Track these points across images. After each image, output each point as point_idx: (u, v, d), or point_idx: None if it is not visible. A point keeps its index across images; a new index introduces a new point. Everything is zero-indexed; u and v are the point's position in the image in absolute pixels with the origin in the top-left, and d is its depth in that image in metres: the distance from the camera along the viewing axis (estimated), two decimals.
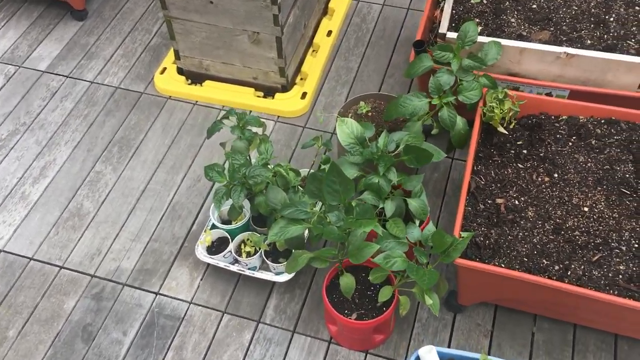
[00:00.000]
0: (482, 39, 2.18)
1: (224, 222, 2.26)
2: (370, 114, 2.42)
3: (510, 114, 2.10)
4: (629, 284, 1.76)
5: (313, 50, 2.96)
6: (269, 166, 2.08)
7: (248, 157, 2.11)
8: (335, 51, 2.98)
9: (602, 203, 1.94)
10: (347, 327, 1.95)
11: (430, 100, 2.11)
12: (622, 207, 1.92)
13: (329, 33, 3.00)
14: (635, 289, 1.75)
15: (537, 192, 1.98)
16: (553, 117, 2.17)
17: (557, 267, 1.81)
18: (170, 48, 2.94)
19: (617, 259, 1.81)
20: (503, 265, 1.82)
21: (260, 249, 2.14)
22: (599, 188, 1.98)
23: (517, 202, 1.96)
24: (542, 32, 2.29)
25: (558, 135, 2.11)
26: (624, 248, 1.83)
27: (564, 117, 2.16)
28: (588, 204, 1.95)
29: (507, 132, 2.14)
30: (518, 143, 2.12)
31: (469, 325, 2.09)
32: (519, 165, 2.06)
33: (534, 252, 1.84)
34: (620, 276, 1.78)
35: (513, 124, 2.13)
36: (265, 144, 2.15)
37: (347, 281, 1.91)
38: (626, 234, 1.86)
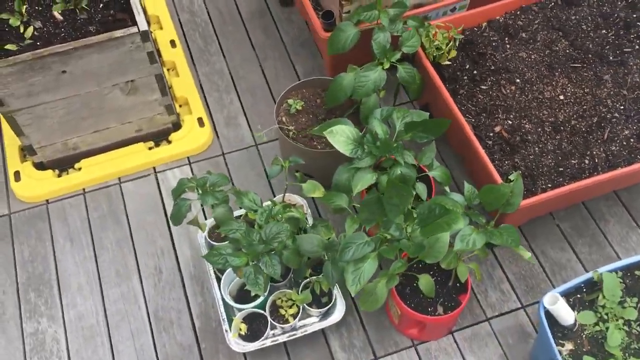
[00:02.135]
0: None
1: (236, 298, 1.92)
2: (303, 107, 2.18)
3: (450, 44, 2.05)
4: None
5: (169, 69, 2.54)
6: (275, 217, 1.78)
7: (243, 220, 1.78)
8: (191, 59, 2.59)
9: (569, 85, 2.03)
10: (439, 323, 1.84)
11: (382, 65, 1.95)
12: (585, 80, 2.03)
13: (173, 43, 2.59)
14: None
15: (516, 104, 2.00)
16: (475, 29, 2.17)
17: (586, 161, 1.87)
18: (6, 150, 2.29)
19: (619, 127, 1.93)
20: (550, 185, 1.83)
21: (301, 304, 1.87)
22: (556, 73, 2.06)
23: (509, 121, 1.96)
24: None
25: (493, 44, 2.12)
26: (616, 114, 1.96)
27: (484, 24, 2.17)
28: (559, 91, 2.02)
29: (451, 63, 2.09)
30: (466, 68, 2.09)
31: (509, 250, 2.11)
32: (482, 87, 2.04)
33: (559, 158, 1.88)
34: (632, 139, 1.91)
35: (454, 53, 2.08)
36: (247, 195, 1.83)
37: (427, 281, 1.77)
38: (608, 102, 1.98)
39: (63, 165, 2.28)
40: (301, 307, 1.87)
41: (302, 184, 1.88)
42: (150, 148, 2.33)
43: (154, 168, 2.31)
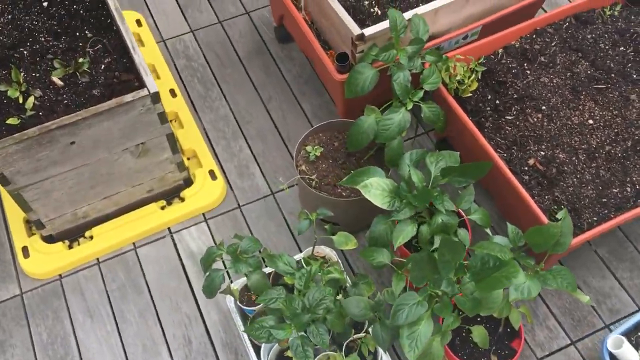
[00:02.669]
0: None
1: (282, 358, 1.81)
2: (322, 153, 2.08)
3: (472, 77, 1.98)
4: None
5: (172, 120, 2.43)
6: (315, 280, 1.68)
7: (282, 286, 1.68)
8: (193, 107, 2.48)
9: (596, 109, 1.97)
10: None
11: (405, 106, 1.86)
12: (612, 102, 1.97)
13: (173, 93, 2.48)
14: None
15: (545, 133, 1.93)
16: (492, 56, 2.10)
17: (628, 189, 1.81)
18: (10, 225, 2.16)
19: None
20: (596, 219, 1.76)
21: None
22: (581, 97, 1.99)
23: (542, 152, 1.89)
24: None
25: (513, 71, 2.05)
26: None
27: (499, 51, 2.11)
28: (587, 115, 1.96)
29: (472, 95, 2.02)
30: (488, 98, 2.02)
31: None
32: (507, 117, 1.97)
33: (600, 188, 1.81)
34: None
35: (475, 84, 2.00)
36: (281, 258, 1.73)
37: (481, 332, 1.69)
38: (638, 122, 1.92)
39: (73, 235, 2.16)
40: None
41: (333, 237, 1.79)
42: (162, 207, 2.22)
43: (169, 228, 2.20)
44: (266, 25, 2.71)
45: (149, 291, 2.07)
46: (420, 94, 1.87)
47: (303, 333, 1.59)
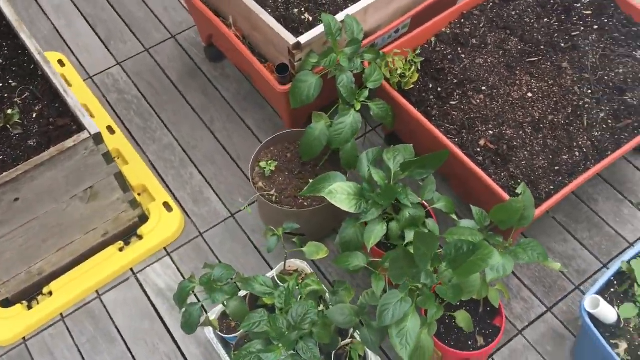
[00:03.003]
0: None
1: None
2: (276, 167, 2.06)
3: (412, 68, 2.00)
4: (623, 120, 1.92)
5: (116, 158, 2.35)
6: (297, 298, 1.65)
7: (262, 308, 1.64)
8: (134, 141, 2.41)
9: (532, 81, 2.03)
10: (485, 353, 1.78)
11: (354, 107, 1.87)
12: (546, 72, 2.04)
13: (111, 130, 2.40)
14: (630, 120, 1.92)
15: (490, 112, 1.97)
16: (426, 46, 2.13)
17: (576, 154, 1.87)
18: None
19: (594, 111, 1.95)
20: (552, 187, 1.81)
21: None
22: (517, 72, 2.05)
23: (490, 132, 1.93)
24: None
25: (448, 57, 2.09)
26: (587, 99, 1.97)
27: (432, 40, 2.14)
28: (525, 90, 2.02)
29: (414, 86, 2.04)
30: (430, 87, 2.05)
31: None
32: (451, 103, 2.01)
33: (550, 157, 1.87)
34: (610, 120, 1.93)
35: (416, 76, 2.03)
36: (256, 280, 1.69)
37: (464, 316, 1.71)
38: (575, 89, 2.00)
39: (31, 294, 2.05)
40: None
41: (304, 249, 1.77)
42: (121, 249, 2.14)
43: (132, 269, 2.12)
44: (195, 47, 2.66)
45: (122, 338, 1.99)
46: (366, 93, 1.88)
47: (292, 352, 1.56)
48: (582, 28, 2.13)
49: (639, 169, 2.26)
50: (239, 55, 2.21)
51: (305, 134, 1.92)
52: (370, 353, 1.80)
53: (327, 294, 1.73)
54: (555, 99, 1.98)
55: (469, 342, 1.76)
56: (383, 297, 1.54)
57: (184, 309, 1.66)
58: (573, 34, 2.11)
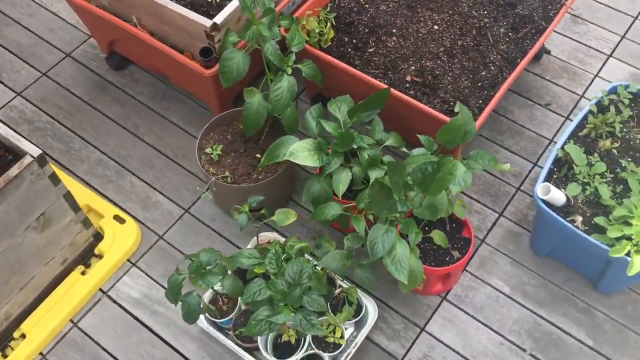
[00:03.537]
0: None
1: (277, 354, 1.81)
2: (222, 150, 2.08)
3: (327, 25, 2.09)
4: (521, 30, 2.13)
5: None
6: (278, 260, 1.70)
7: (262, 276, 1.68)
8: (61, 166, 2.32)
9: (434, 15, 2.19)
10: (462, 265, 1.92)
11: (286, 71, 1.93)
12: (444, 5, 2.21)
13: None
14: (527, 28, 2.13)
15: (407, 50, 2.11)
16: (331, 4, 2.23)
17: (492, 68, 2.05)
18: None
19: (495, 28, 2.14)
20: (481, 101, 1.98)
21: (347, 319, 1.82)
22: (419, 10, 2.21)
23: (412, 67, 2.07)
24: None
25: (355, 9, 2.20)
26: (486, 19, 2.16)
27: None
28: (430, 24, 2.17)
29: (331, 43, 2.13)
30: (346, 41, 2.15)
31: None
32: (370, 51, 2.12)
33: (471, 76, 2.04)
34: (510, 33, 2.13)
35: (332, 33, 2.12)
36: (242, 255, 1.72)
37: (439, 235, 1.84)
38: (473, 12, 2.18)
39: (3, 341, 1.94)
40: (342, 326, 1.84)
41: (274, 217, 1.82)
42: (83, 273, 2.07)
43: (101, 289, 2.06)
44: (95, 60, 2.59)
45: (113, 357, 1.94)
46: (293, 57, 1.95)
47: (301, 306, 1.62)
48: None
49: (538, 75, 2.50)
50: (152, 54, 2.19)
51: (245, 110, 1.96)
52: (363, 299, 1.89)
53: (312, 250, 1.79)
54: (458, 26, 2.15)
55: (447, 259, 1.90)
56: (370, 233, 1.63)
57: (180, 302, 1.67)
58: None
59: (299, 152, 1.73)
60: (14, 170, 1.65)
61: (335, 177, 1.76)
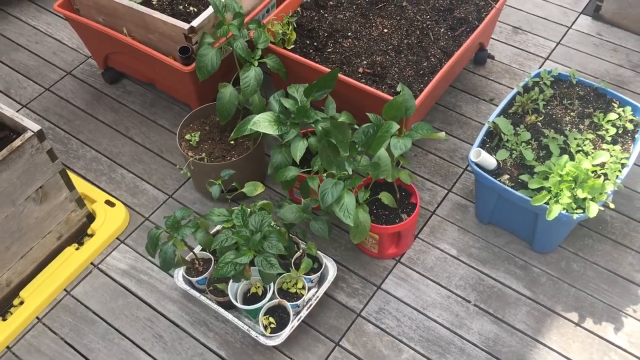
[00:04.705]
0: None
1: (247, 298, 2.04)
2: (200, 137, 2.38)
3: (290, 28, 2.42)
4: (458, 29, 2.46)
5: None
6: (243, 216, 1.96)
7: (226, 229, 1.93)
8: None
9: (384, 21, 2.53)
10: (411, 224, 2.16)
11: (252, 64, 2.24)
12: (392, 13, 2.55)
13: None
14: (463, 27, 2.46)
15: (359, 49, 2.43)
16: (295, 15, 2.57)
17: (432, 60, 2.36)
18: None
19: (436, 29, 2.47)
20: (422, 85, 2.28)
21: (306, 271, 2.06)
22: (371, 17, 2.55)
23: (365, 62, 2.39)
24: None
25: (315, 18, 2.54)
26: (428, 22, 2.49)
27: (298, 9, 2.59)
28: (381, 28, 2.51)
29: (295, 45, 2.46)
30: (307, 44, 2.48)
31: (416, 160, 2.53)
32: (328, 51, 2.45)
33: (414, 67, 2.35)
34: (449, 32, 2.46)
35: (294, 35, 2.45)
36: (212, 213, 1.98)
37: (387, 195, 2.09)
38: (417, 17, 2.52)
39: (4, 307, 2.18)
40: (304, 280, 2.07)
41: (244, 190, 2.09)
42: (77, 249, 2.32)
43: (92, 263, 2.31)
44: (92, 77, 2.93)
45: (102, 318, 2.17)
46: (259, 52, 2.27)
47: (262, 249, 1.86)
48: None
49: (483, 77, 2.82)
50: (141, 62, 2.52)
51: (218, 100, 2.26)
52: (323, 258, 2.13)
53: (277, 209, 2.05)
54: (405, 28, 2.49)
55: (397, 221, 2.15)
56: (321, 185, 1.90)
57: (159, 250, 1.92)
58: None
59: (261, 122, 2.02)
60: (17, 142, 1.94)
61: (293, 145, 2.04)
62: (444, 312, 2.12)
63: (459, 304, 2.14)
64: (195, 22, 2.30)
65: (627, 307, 2.11)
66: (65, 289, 2.25)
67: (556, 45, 2.94)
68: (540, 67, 2.84)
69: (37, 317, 2.18)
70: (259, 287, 2.05)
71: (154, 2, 2.46)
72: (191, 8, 2.45)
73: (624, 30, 2.97)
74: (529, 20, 3.06)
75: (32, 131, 1.98)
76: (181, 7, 2.45)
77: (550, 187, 1.98)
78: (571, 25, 3.02)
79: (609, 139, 2.15)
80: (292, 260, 2.10)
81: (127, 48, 2.48)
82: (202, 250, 2.16)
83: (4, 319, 2.16)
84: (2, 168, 1.92)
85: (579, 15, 3.07)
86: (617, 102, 2.26)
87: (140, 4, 2.41)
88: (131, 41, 2.44)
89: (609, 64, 2.84)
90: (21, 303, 2.19)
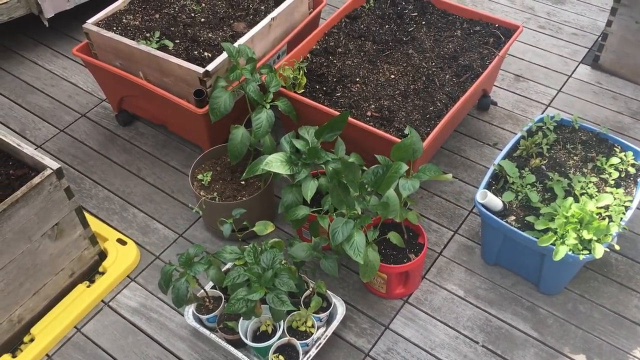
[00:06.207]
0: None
1: (257, 336, 2.05)
2: (212, 177, 2.43)
3: (300, 73, 2.51)
4: (462, 75, 2.55)
5: None
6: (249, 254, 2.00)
7: (238, 267, 1.97)
8: None
9: (391, 68, 2.62)
10: (419, 265, 2.20)
11: (264, 107, 2.32)
12: (399, 59, 2.65)
13: None
14: (468, 74, 2.55)
15: (367, 93, 2.52)
16: (305, 61, 2.67)
17: (438, 104, 2.44)
18: None
19: (441, 75, 2.56)
20: (429, 128, 2.35)
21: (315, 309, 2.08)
22: (379, 64, 2.64)
23: (373, 105, 2.46)
24: (239, 24, 2.68)
25: (324, 64, 2.64)
26: (434, 69, 2.59)
27: (308, 55, 2.69)
28: (388, 74, 2.60)
29: (304, 90, 2.55)
30: (317, 88, 2.56)
31: (422, 202, 2.58)
32: (337, 95, 2.53)
33: (421, 111, 2.43)
34: (454, 79, 2.55)
35: (304, 80, 2.54)
36: (224, 251, 2.02)
37: (395, 235, 2.13)
38: (423, 64, 2.61)
39: (14, 344, 2.19)
40: (313, 318, 2.09)
41: (254, 229, 2.13)
42: (88, 286, 2.35)
43: (103, 300, 2.33)
44: (106, 119, 3.01)
45: (111, 356, 2.18)
46: (270, 95, 2.35)
47: (273, 286, 1.89)
48: (415, 25, 2.79)
49: (487, 122, 2.90)
50: (155, 104, 2.60)
51: (230, 141, 2.33)
52: (332, 297, 2.15)
53: (287, 247, 2.09)
54: (411, 75, 2.58)
55: (405, 261, 2.19)
56: (332, 224, 1.95)
57: (172, 287, 1.95)
58: (409, 30, 2.76)
59: (273, 162, 2.08)
60: (36, 179, 2.00)
61: (304, 184, 2.09)
62: (452, 353, 2.13)
63: (467, 344, 2.16)
64: (210, 66, 2.38)
65: (634, 350, 2.12)
66: (75, 327, 2.26)
67: (557, 93, 3.03)
68: (542, 113, 2.92)
69: (47, 355, 2.19)
70: (268, 324, 2.07)
71: (170, 48, 2.56)
72: (205, 53, 2.54)
73: (622, 79, 3.07)
74: (530, 68, 3.16)
75: (52, 169, 2.04)
76: (196, 52, 2.55)
77: (556, 229, 2.02)
78: (571, 74, 3.12)
79: (612, 182, 2.21)
80: (302, 299, 2.12)
81: (143, 91, 2.57)
82: (212, 288, 2.18)
83: (14, 356, 2.17)
84: (21, 205, 1.97)
85: (578, 65, 3.17)
86: (619, 147, 2.33)
87: (157, 49, 2.51)
88: (148, 84, 2.52)
89: (609, 111, 2.93)
90: (31, 340, 2.21)
